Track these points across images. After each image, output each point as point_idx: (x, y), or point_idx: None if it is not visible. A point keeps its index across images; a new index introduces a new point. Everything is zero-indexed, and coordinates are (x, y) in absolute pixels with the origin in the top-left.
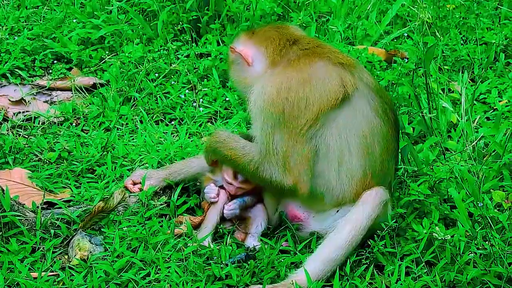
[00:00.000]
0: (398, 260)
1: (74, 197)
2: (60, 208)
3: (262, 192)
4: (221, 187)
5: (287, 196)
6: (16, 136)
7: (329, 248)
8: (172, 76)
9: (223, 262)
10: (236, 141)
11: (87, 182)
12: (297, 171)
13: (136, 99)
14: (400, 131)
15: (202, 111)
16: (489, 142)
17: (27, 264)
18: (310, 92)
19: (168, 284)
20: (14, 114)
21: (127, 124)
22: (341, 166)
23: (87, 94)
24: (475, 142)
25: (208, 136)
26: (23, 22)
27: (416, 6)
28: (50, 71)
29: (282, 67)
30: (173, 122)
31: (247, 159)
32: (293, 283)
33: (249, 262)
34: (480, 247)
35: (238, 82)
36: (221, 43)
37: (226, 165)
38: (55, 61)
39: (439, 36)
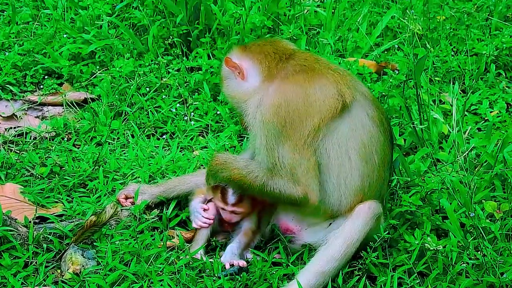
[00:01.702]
0: (391, 271)
1: (66, 211)
2: (53, 222)
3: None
4: (211, 200)
5: (299, 208)
6: (7, 152)
7: (322, 261)
8: (163, 90)
9: (216, 275)
10: (237, 161)
11: (79, 196)
12: (305, 180)
13: (127, 113)
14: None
15: (194, 124)
16: (481, 152)
17: (20, 278)
18: (309, 105)
19: None
20: (5, 129)
21: (118, 138)
22: (340, 175)
23: (78, 109)
24: (466, 153)
25: (208, 161)
26: (13, 38)
27: (406, 18)
28: (41, 86)
29: (280, 81)
30: (164, 136)
31: (252, 176)
32: None
33: (241, 275)
34: (472, 257)
35: (232, 97)
36: (211, 56)
37: (231, 186)
38: (46, 77)
39: (430, 48)
